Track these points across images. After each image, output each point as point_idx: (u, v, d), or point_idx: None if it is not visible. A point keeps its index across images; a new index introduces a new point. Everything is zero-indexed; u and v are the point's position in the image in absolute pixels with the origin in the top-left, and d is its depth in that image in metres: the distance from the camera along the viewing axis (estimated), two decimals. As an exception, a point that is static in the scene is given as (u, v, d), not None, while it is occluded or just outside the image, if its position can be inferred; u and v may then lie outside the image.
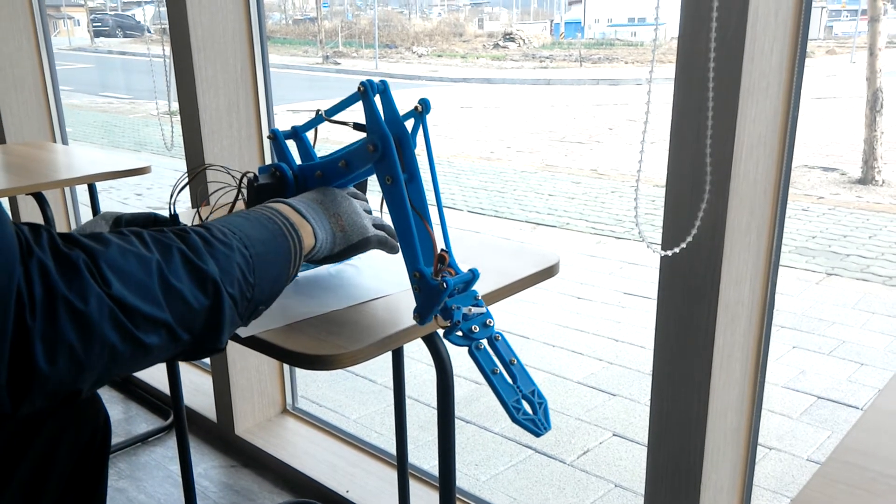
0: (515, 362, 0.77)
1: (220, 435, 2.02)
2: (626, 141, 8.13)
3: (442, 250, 0.79)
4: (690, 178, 0.99)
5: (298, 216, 0.78)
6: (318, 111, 0.95)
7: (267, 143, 1.98)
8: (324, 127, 0.97)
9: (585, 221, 5.22)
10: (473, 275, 0.78)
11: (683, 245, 0.99)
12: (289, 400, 2.11)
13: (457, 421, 2.29)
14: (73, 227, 2.72)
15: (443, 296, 0.75)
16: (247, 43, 1.82)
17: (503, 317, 3.26)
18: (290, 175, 0.92)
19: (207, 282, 0.61)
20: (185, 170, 1.51)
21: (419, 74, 14.50)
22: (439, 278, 0.75)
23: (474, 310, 0.77)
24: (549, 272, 1.06)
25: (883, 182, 5.90)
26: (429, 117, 0.83)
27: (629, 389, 2.56)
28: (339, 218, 0.85)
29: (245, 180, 0.94)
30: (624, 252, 4.46)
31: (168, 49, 1.81)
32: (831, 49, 15.13)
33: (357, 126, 0.86)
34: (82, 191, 2.67)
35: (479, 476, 1.99)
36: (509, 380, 0.75)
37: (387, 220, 0.91)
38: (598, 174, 6.85)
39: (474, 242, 1.14)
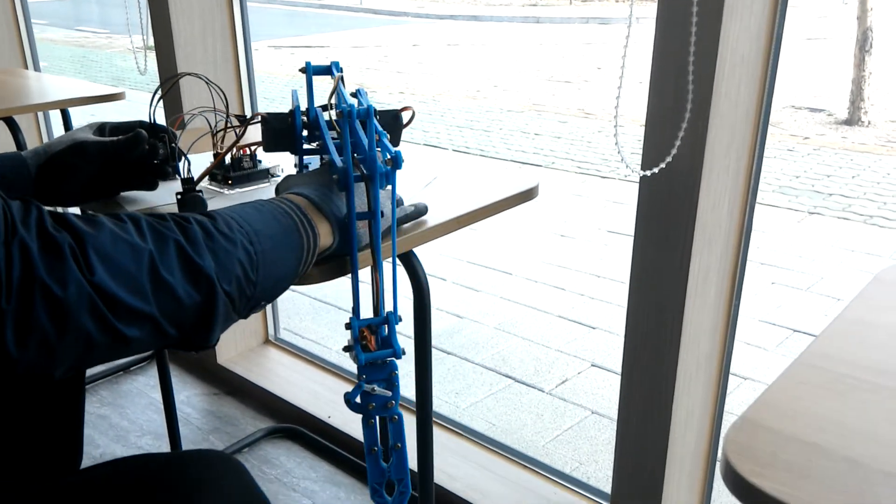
0: (399, 447, 0.79)
1: (202, 364, 2.03)
2: (615, 81, 8.04)
3: (369, 325, 0.76)
4: (672, 97, 0.98)
5: (318, 213, 0.72)
6: (338, 76, 0.88)
7: (244, 71, 1.93)
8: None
9: (571, 161, 5.20)
10: (395, 354, 0.76)
11: (663, 165, 0.98)
12: (271, 331, 2.12)
13: (438, 352, 2.32)
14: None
15: (358, 367, 0.74)
16: (221, -37, 1.76)
17: (487, 253, 3.27)
18: (299, 122, 0.86)
19: (202, 278, 0.58)
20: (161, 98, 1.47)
21: (405, 10, 14.15)
22: (362, 345, 0.75)
23: (378, 391, 0.76)
24: (528, 195, 1.05)
25: (869, 123, 5.89)
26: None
27: (609, 323, 2.59)
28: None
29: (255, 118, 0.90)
30: (609, 191, 4.45)
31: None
32: (824, -11, 14.87)
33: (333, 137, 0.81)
34: (56, 121, 2.62)
35: (459, 403, 2.03)
36: (384, 462, 0.79)
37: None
38: (585, 114, 6.78)
39: (456, 165, 1.13)
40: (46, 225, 0.52)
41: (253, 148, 1.03)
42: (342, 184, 0.73)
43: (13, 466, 0.93)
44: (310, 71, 0.91)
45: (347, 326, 0.76)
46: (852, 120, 5.94)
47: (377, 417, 0.77)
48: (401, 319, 0.79)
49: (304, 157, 0.91)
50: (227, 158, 1.02)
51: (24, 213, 0.52)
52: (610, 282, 2.99)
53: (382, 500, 0.78)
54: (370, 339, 0.76)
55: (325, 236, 0.72)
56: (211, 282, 0.59)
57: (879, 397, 0.54)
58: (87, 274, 0.52)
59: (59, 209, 0.65)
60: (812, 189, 4.40)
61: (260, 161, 1.04)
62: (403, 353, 0.76)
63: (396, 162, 0.74)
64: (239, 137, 0.99)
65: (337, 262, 0.77)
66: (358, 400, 0.76)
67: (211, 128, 1.04)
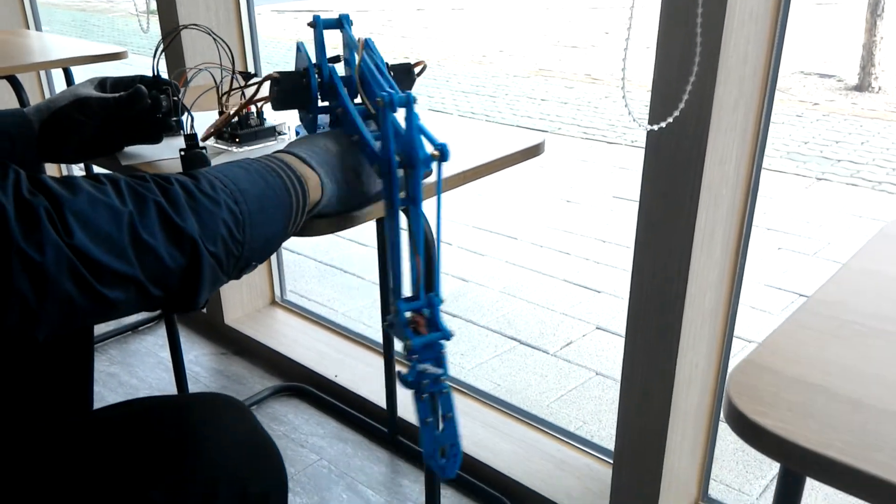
0: (450, 417, 0.82)
1: (210, 324, 2.05)
2: (622, 45, 7.94)
3: (420, 312, 0.78)
4: (680, 51, 0.97)
5: (306, 167, 0.71)
6: (361, 41, 0.85)
7: (247, 32, 1.91)
8: None
9: (578, 126, 5.16)
10: (444, 336, 0.78)
11: (670, 120, 0.97)
12: (277, 293, 2.13)
13: (444, 315, 2.33)
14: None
15: (408, 353, 0.77)
16: (224, -82, 1.73)
17: (493, 218, 3.26)
18: (315, 83, 0.84)
19: (184, 239, 0.57)
20: (164, 49, 1.45)
21: (410, -26, 13.93)
22: (411, 329, 0.76)
23: (430, 370, 0.78)
24: (534, 151, 1.05)
25: (879, 89, 5.83)
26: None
27: (614, 287, 2.59)
28: (355, 171, 0.76)
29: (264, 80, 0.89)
30: (615, 157, 4.43)
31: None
32: (837, -48, 14.56)
33: (369, 116, 0.80)
34: (59, 80, 2.60)
35: (465, 364, 2.04)
36: (438, 430, 0.82)
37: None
38: (592, 79, 6.72)
39: (462, 124, 1.12)
40: (22, 189, 0.51)
41: (259, 105, 1.02)
42: (382, 172, 0.73)
43: (25, 420, 0.95)
44: (320, 25, 0.88)
45: (385, 311, 0.76)
46: (862, 86, 5.86)
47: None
48: (442, 301, 0.80)
49: (319, 115, 0.89)
50: (224, 116, 1.01)
51: (1, 176, 0.51)
52: (615, 246, 2.99)
53: (438, 464, 0.82)
54: (420, 323, 0.78)
55: (314, 190, 0.71)
56: (194, 243, 0.58)
57: (884, 342, 0.54)
58: (64, 237, 0.51)
59: (62, 168, 0.65)
60: (820, 155, 4.37)
61: (265, 119, 1.04)
62: (452, 334, 0.78)
63: (444, 154, 0.73)
64: (252, 97, 0.97)
65: (347, 216, 0.78)
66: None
67: (217, 84, 1.03)
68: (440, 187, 0.77)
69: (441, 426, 0.81)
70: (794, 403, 0.47)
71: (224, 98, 1.03)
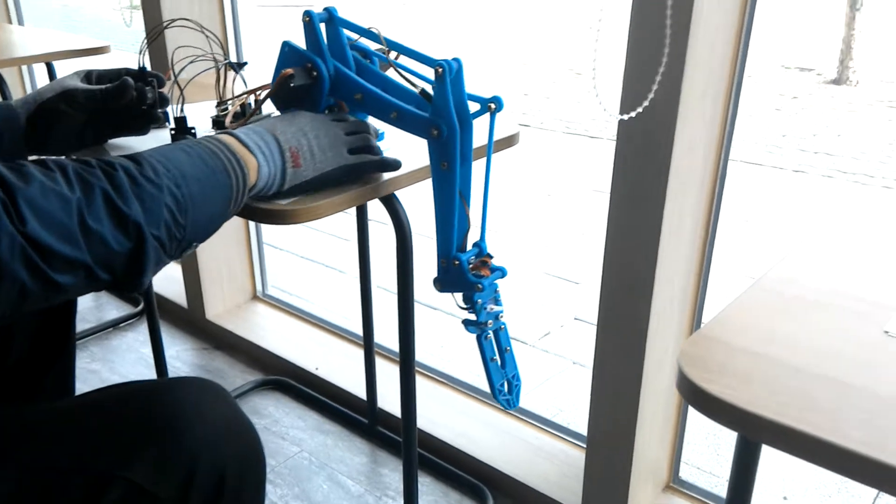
0: (509, 350, 0.91)
1: (191, 320, 2.06)
2: (594, 37, 7.97)
3: (487, 255, 0.87)
4: (649, 41, 0.99)
5: (245, 150, 0.73)
6: (373, 28, 0.89)
7: (231, 29, 1.92)
8: None
9: (560, 121, 5.20)
10: (502, 274, 0.87)
11: (640, 109, 1.00)
12: (259, 287, 2.14)
13: (424, 308, 2.35)
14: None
15: (475, 294, 0.85)
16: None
17: (473, 211, 3.28)
18: (326, 75, 0.84)
19: (129, 225, 0.60)
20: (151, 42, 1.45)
21: (393, -30, 13.90)
22: (478, 275, 0.85)
23: (494, 308, 0.87)
24: (509, 141, 1.08)
25: (857, 82, 5.91)
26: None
27: (592, 278, 2.62)
28: (295, 153, 0.78)
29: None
30: (596, 151, 4.47)
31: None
32: (817, -52, 14.68)
33: (424, 94, 0.85)
34: (41, 75, 2.59)
35: (444, 354, 2.07)
36: (500, 365, 0.90)
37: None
38: (575, 73, 6.76)
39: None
40: None
41: (258, 93, 1.02)
42: (444, 138, 0.79)
43: (6, 404, 0.96)
44: (315, 20, 0.86)
45: (455, 264, 0.85)
46: (841, 79, 5.95)
47: (490, 332, 0.89)
48: (490, 255, 0.88)
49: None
50: (232, 106, 1.01)
51: None
52: (594, 239, 3.02)
53: (506, 395, 0.90)
54: (481, 267, 0.86)
55: (254, 171, 0.74)
56: (139, 228, 0.60)
57: (825, 315, 0.57)
58: (18, 225, 0.53)
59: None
60: (798, 148, 4.43)
61: (262, 110, 1.04)
62: (507, 271, 0.87)
63: (499, 105, 0.82)
64: (257, 88, 0.97)
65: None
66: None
67: (217, 69, 1.03)
68: (492, 138, 0.85)
69: (502, 361, 0.90)
70: (739, 370, 0.50)
71: (221, 87, 1.03)
